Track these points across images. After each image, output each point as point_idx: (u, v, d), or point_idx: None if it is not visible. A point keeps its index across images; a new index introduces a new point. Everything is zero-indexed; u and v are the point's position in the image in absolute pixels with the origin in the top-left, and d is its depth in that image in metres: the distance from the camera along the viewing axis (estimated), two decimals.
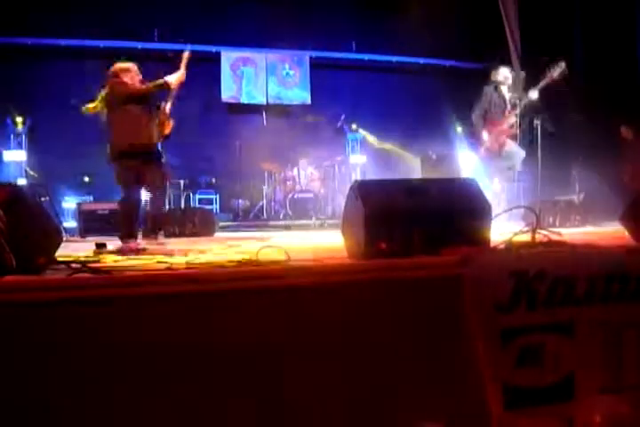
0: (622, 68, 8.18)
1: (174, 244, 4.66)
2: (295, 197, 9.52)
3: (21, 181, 8.24)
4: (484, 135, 6.52)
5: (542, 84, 6.06)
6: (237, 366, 1.79)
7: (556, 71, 5.92)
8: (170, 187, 9.73)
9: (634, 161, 7.24)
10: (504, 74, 6.56)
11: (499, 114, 6.47)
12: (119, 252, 3.65)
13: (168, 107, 4.46)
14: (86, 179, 9.00)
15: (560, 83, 5.93)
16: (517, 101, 6.38)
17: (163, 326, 1.74)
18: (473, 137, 7.05)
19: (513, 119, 6.38)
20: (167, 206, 9.62)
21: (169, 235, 6.32)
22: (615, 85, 8.07)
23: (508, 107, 6.45)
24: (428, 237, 2.42)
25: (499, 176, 6.59)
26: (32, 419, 1.63)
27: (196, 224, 6.35)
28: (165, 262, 2.82)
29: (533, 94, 6.07)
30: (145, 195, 4.65)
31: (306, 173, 9.99)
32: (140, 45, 9.85)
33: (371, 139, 10.86)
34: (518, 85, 6.80)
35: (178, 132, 4.73)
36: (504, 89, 6.54)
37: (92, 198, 8.36)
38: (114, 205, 6.88)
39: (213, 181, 10.18)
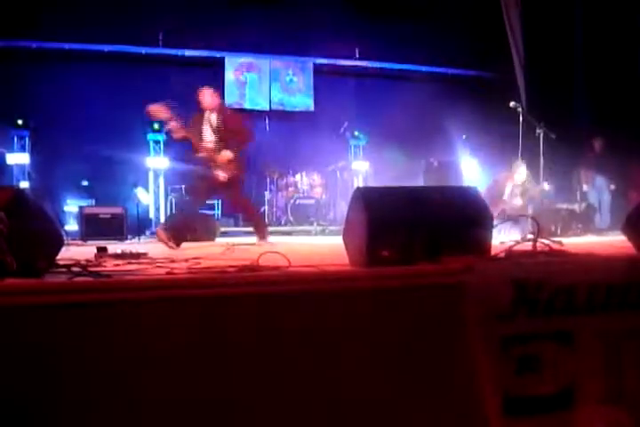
0: (624, 78, 8.22)
1: (175, 249, 4.68)
2: (297, 202, 9.51)
3: (24, 184, 8.25)
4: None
5: None
6: (237, 368, 1.79)
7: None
8: (171, 192, 9.82)
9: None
10: (523, 173, 6.50)
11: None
12: None
13: None
14: (88, 183, 9.00)
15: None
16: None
17: (162, 330, 1.74)
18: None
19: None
20: (169, 211, 9.71)
21: (169, 240, 6.31)
22: (617, 94, 8.10)
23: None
24: (429, 244, 2.41)
25: None
26: (33, 420, 1.63)
27: (197, 229, 6.34)
28: (165, 267, 2.82)
29: (545, 187, 6.36)
30: None
31: (308, 180, 9.99)
32: (143, 50, 9.88)
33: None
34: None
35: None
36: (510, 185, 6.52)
37: (94, 202, 8.37)
38: (115, 210, 6.90)
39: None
